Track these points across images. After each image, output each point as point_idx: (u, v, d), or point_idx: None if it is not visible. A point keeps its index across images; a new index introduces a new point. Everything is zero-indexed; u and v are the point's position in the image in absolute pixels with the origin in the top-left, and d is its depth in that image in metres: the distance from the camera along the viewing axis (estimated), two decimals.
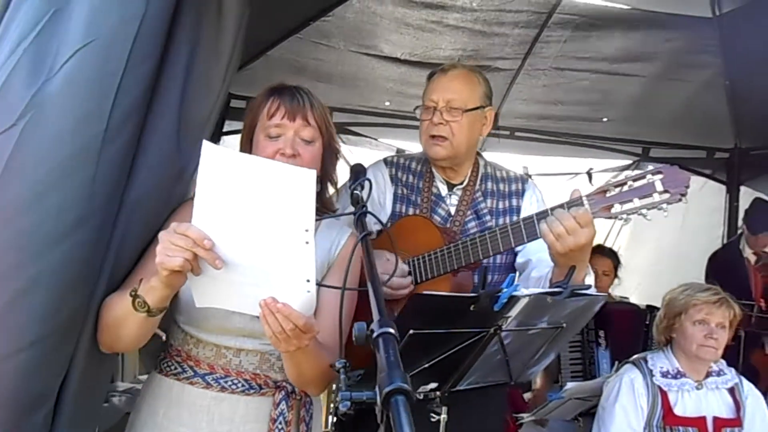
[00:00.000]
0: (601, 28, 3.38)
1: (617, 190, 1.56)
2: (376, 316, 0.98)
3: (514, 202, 1.96)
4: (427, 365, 1.50)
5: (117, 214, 1.42)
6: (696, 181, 4.59)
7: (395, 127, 4.26)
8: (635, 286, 4.95)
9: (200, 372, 1.50)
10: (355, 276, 1.49)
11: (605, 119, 4.28)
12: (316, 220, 1.55)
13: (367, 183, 1.44)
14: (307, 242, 1.20)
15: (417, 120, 1.98)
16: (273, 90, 1.57)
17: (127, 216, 1.44)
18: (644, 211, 1.54)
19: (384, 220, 1.95)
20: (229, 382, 1.50)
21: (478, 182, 1.97)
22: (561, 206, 1.59)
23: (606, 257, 3.60)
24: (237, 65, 1.62)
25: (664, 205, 1.52)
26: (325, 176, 1.62)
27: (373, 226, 1.96)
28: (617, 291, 4.05)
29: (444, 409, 1.62)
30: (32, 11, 1.36)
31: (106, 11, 1.34)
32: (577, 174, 4.88)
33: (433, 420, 1.62)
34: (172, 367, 1.54)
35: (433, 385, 1.61)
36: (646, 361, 2.42)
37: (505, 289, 1.45)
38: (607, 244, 4.57)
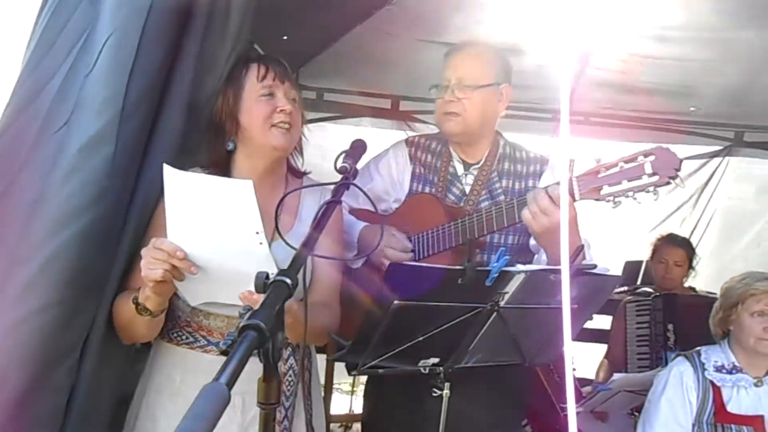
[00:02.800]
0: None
1: (608, 171, 1.55)
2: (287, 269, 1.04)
3: (531, 183, 1.92)
4: (421, 338, 1.52)
5: (135, 190, 1.57)
6: None
7: None
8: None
9: (213, 341, 1.57)
10: (337, 240, 1.59)
11: (692, 108, 3.98)
12: (296, 189, 1.64)
13: (351, 160, 1.49)
14: (261, 243, 1.32)
15: None
16: (249, 59, 1.65)
17: (145, 190, 1.58)
18: (631, 194, 1.51)
19: (402, 198, 1.99)
20: None
21: (496, 162, 1.95)
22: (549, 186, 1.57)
23: (678, 247, 3.38)
24: (243, 48, 1.71)
25: (652, 188, 1.49)
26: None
27: (392, 204, 2.01)
28: (706, 285, 3.79)
29: (447, 385, 1.63)
30: (81, 16, 1.54)
31: (120, 4, 1.49)
32: None
33: (435, 395, 1.63)
34: (184, 337, 1.59)
35: (435, 360, 1.62)
36: (699, 354, 2.27)
37: (495, 264, 1.43)
38: (695, 237, 4.27)
